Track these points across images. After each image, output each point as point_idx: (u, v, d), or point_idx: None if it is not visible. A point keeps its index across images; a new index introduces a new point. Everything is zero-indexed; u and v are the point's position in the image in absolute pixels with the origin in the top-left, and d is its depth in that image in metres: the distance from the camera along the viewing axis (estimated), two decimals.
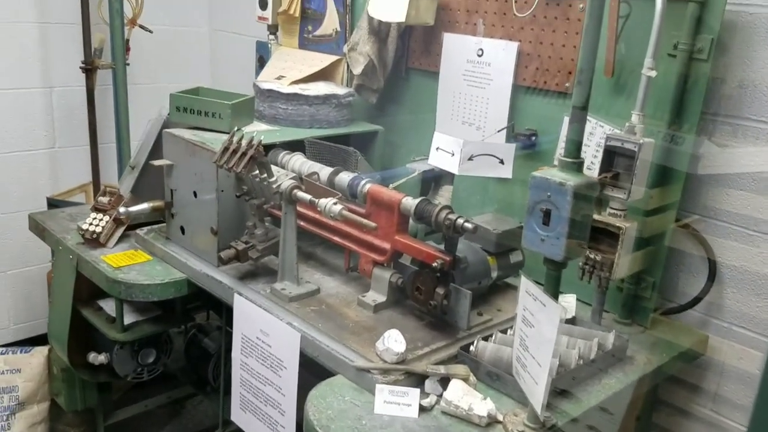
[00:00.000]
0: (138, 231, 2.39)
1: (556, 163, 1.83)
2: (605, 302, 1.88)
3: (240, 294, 1.95)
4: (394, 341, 1.63)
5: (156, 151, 2.52)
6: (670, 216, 1.89)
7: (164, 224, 2.37)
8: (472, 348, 1.68)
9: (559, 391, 1.60)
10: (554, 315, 1.34)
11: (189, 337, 2.85)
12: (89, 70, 3.19)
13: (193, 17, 3.69)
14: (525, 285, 1.43)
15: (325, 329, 1.78)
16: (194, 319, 2.65)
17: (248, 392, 1.91)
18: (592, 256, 1.75)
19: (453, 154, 1.89)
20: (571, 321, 1.86)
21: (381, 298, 1.89)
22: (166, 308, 2.40)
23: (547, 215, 1.43)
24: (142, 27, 3.23)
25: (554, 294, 1.46)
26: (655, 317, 1.96)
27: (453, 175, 2.31)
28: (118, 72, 3.16)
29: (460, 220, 1.70)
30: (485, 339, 1.71)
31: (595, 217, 1.74)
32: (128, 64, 3.20)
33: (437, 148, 1.94)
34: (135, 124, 3.18)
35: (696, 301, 1.96)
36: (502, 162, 1.92)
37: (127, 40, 3.17)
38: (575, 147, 1.44)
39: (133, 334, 2.30)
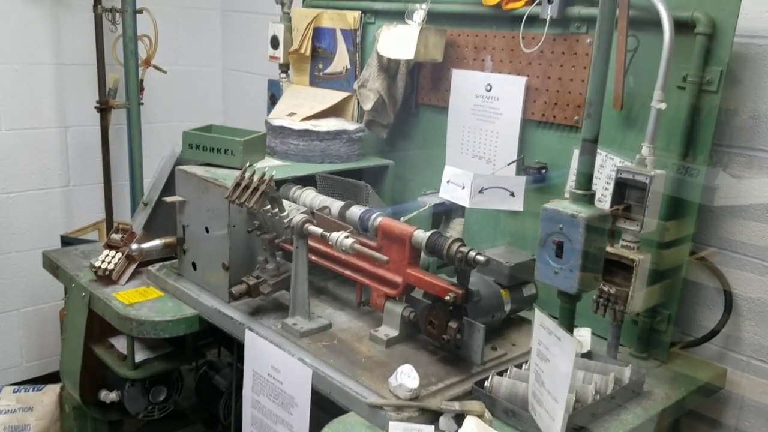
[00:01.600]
0: (150, 267, 2.39)
1: (567, 195, 1.82)
2: (621, 336, 1.85)
3: (251, 330, 1.94)
4: (407, 377, 1.60)
5: (169, 188, 2.53)
6: (685, 248, 1.86)
7: (176, 260, 2.37)
8: (486, 383, 1.65)
9: (576, 428, 1.56)
10: (569, 349, 1.31)
11: (200, 374, 2.82)
12: (104, 109, 3.23)
13: (207, 57, 3.74)
14: (539, 318, 1.41)
15: (337, 365, 1.76)
16: (205, 356, 2.63)
17: (259, 431, 1.88)
18: (606, 288, 1.73)
19: (463, 187, 1.89)
20: (587, 355, 1.82)
21: (393, 333, 1.88)
22: (178, 345, 2.38)
23: (559, 247, 1.42)
24: (156, 67, 3.27)
25: (569, 327, 1.44)
26: (672, 351, 1.93)
27: (464, 208, 2.31)
28: (132, 111, 3.20)
29: (472, 253, 1.68)
30: (500, 374, 1.68)
31: (608, 249, 1.72)
32: (142, 104, 3.24)
33: (448, 182, 1.94)
34: (148, 161, 3.21)
35: (713, 334, 1.92)
36: (512, 195, 1.91)
37: (141, 80, 3.21)
38: (586, 179, 1.44)
39: (144, 371, 2.28)
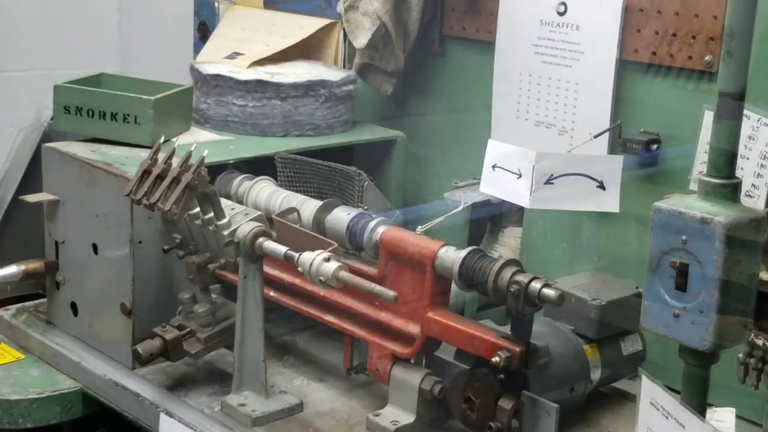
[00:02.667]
0: (1, 312, 2.39)
1: (693, 186, 1.80)
2: None
3: (170, 415, 1.93)
4: None
5: (31, 179, 2.54)
6: None
7: (44, 300, 2.35)
8: None
9: None
10: None
11: None
12: None
13: None
14: (649, 392, 1.41)
15: None
16: None
17: None
18: (760, 342, 1.73)
19: (520, 175, 1.88)
20: None
21: (407, 418, 1.86)
22: None
23: (682, 274, 1.42)
24: None
25: (700, 407, 1.44)
26: None
27: (522, 210, 2.29)
28: None
29: (537, 284, 1.68)
30: None
31: (765, 277, 1.73)
32: None
33: (494, 166, 1.93)
34: None
35: None
36: (602, 186, 1.91)
37: None
38: (726, 160, 1.44)
39: None
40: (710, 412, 1.74)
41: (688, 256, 1.42)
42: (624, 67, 2.20)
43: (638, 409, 1.46)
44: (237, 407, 1.92)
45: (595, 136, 2.18)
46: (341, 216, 2.03)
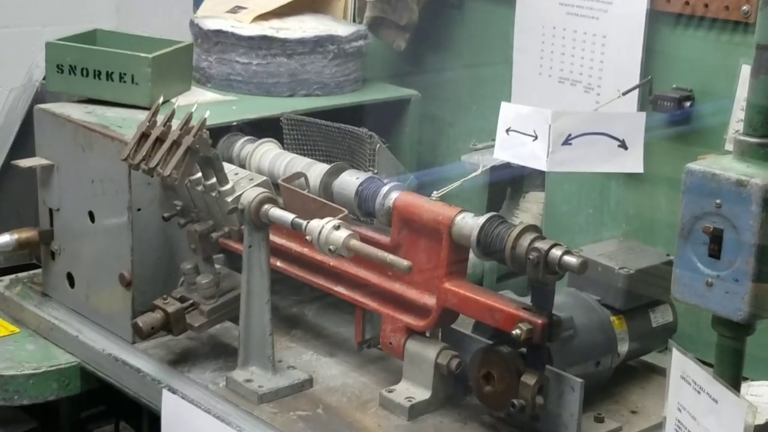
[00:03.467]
0: None
1: (729, 147, 1.79)
2: None
3: (172, 391, 1.94)
4: None
5: (23, 142, 2.54)
6: None
7: (39, 270, 2.37)
8: None
9: None
10: (734, 419, 1.32)
11: None
12: None
13: None
14: (680, 366, 1.41)
15: None
16: None
17: None
18: None
19: (536, 137, 1.88)
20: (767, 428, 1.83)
21: (422, 394, 1.88)
22: (46, 418, 2.40)
23: (716, 240, 1.41)
24: None
25: (734, 381, 1.44)
26: None
27: (544, 173, 2.28)
28: None
29: (557, 252, 1.68)
30: None
31: None
32: None
33: (508, 129, 1.93)
34: None
35: None
36: (623, 145, 1.90)
37: None
38: (764, 118, 1.43)
39: None
40: (745, 386, 1.74)
41: (723, 221, 1.41)
42: (655, 18, 2.18)
43: (668, 383, 1.45)
44: (243, 383, 1.93)
45: (624, 93, 2.17)
46: (351, 181, 2.03)
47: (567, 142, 1.86)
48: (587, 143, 1.89)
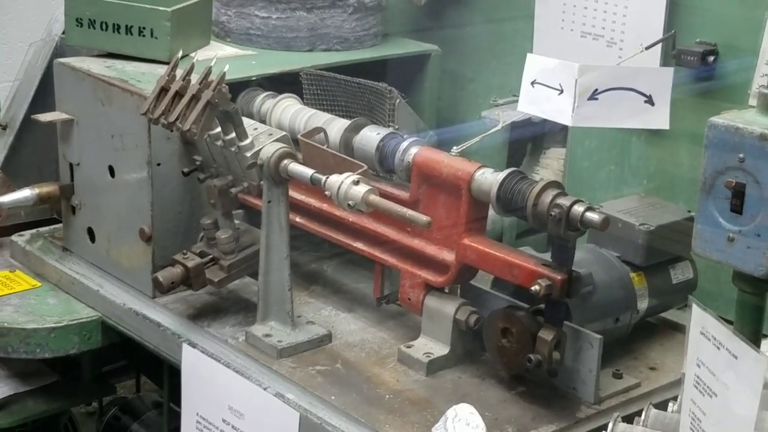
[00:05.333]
0: (15, 237, 2.41)
1: (753, 102, 1.78)
2: None
3: (192, 345, 1.96)
4: (465, 425, 1.62)
5: (43, 97, 2.54)
6: None
7: (59, 225, 2.38)
8: None
9: None
10: (754, 374, 1.31)
11: (106, 422, 2.88)
12: None
13: None
14: (700, 322, 1.41)
15: (342, 404, 1.77)
16: (115, 391, 2.66)
17: None
18: None
19: (561, 91, 1.86)
20: None
21: (440, 350, 1.89)
22: (68, 372, 2.42)
23: (738, 195, 1.41)
24: None
25: (754, 337, 1.44)
26: None
27: (565, 129, 2.28)
28: None
29: (580, 208, 1.67)
30: (628, 420, 1.69)
31: None
32: None
33: (533, 82, 1.91)
34: (6, 52, 3.20)
35: None
36: (650, 101, 1.89)
37: None
38: None
39: (10, 416, 2.32)
40: (765, 343, 1.74)
41: (745, 176, 1.41)
42: None
43: (687, 339, 1.45)
44: (262, 338, 1.95)
45: (647, 48, 2.15)
46: (371, 136, 2.03)
47: (593, 97, 1.85)
48: (613, 98, 1.88)
